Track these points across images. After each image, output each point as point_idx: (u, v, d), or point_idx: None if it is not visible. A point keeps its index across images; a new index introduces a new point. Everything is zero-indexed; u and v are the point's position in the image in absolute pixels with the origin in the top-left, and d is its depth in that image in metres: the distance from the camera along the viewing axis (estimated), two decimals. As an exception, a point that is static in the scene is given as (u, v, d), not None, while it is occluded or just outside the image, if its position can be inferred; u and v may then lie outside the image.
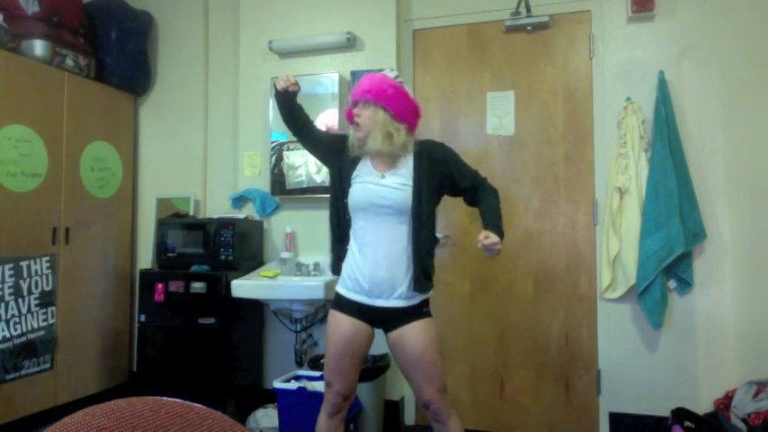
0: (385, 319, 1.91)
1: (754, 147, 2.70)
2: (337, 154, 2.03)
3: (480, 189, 1.99)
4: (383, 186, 1.89)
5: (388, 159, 1.93)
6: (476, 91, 3.12)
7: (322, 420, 1.98)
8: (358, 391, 2.57)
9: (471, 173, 2.00)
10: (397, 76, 1.97)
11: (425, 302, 1.95)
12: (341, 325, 1.92)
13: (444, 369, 1.92)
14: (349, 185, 1.96)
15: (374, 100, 1.88)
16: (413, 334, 1.87)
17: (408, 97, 1.94)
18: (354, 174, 1.97)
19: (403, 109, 1.91)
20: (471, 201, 2.02)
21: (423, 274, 1.89)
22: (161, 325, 3.02)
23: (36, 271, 2.94)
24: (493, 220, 1.89)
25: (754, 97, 2.71)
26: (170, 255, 3.14)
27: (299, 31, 3.27)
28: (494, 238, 1.80)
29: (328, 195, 3.11)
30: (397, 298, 1.88)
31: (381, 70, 2.02)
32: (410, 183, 1.89)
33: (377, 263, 1.87)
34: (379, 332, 1.98)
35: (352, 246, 1.96)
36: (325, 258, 3.07)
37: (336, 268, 2.03)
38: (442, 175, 1.95)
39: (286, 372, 2.93)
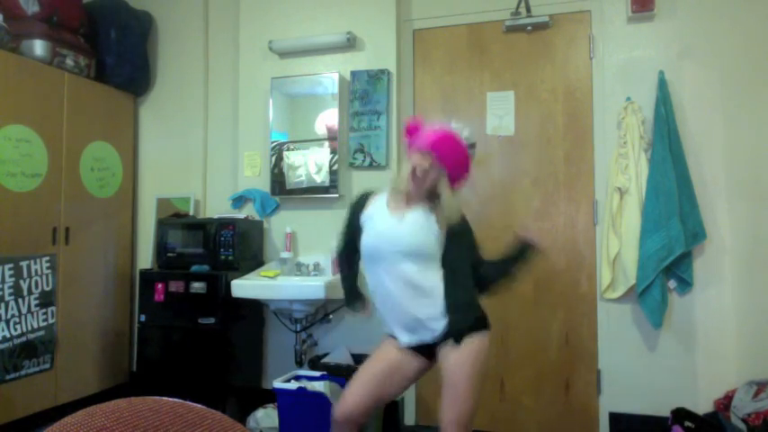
0: (431, 345, 1.87)
1: (754, 147, 2.70)
2: (358, 222, 1.98)
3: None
4: (399, 227, 1.85)
5: (407, 200, 1.89)
6: (476, 91, 3.12)
7: None
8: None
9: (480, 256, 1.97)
10: (468, 140, 1.89)
11: (461, 323, 1.84)
12: (389, 350, 1.91)
13: (471, 400, 1.79)
14: (360, 230, 1.92)
15: (449, 169, 1.83)
16: (449, 350, 1.82)
17: (469, 164, 1.88)
18: (364, 216, 1.93)
19: (459, 175, 1.87)
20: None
21: (462, 318, 1.84)
22: (161, 325, 3.02)
23: (36, 271, 2.94)
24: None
25: (754, 97, 2.71)
26: (170, 255, 3.14)
27: (299, 31, 3.27)
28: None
29: (328, 195, 3.14)
30: (425, 337, 1.85)
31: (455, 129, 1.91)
32: (434, 223, 1.86)
33: (398, 306, 1.84)
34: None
35: (373, 293, 1.94)
36: (325, 258, 3.07)
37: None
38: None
39: (286, 372, 2.92)
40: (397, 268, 1.83)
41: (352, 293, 2.12)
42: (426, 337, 1.85)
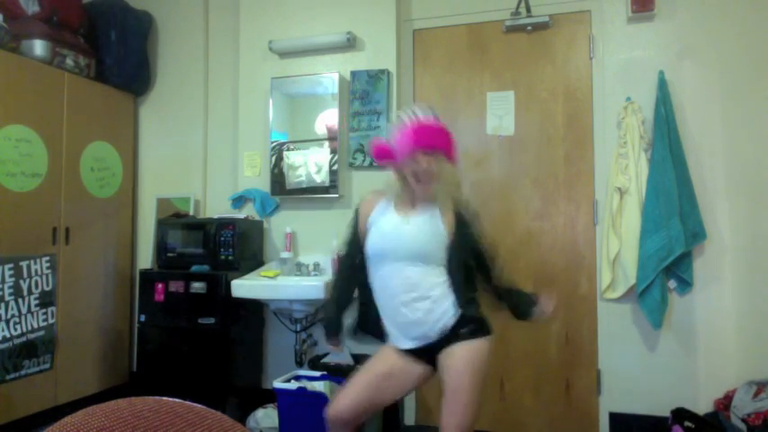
0: (432, 349, 1.84)
1: (754, 147, 2.70)
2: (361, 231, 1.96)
3: (497, 265, 1.94)
4: (407, 230, 1.83)
5: (412, 201, 1.88)
6: (476, 91, 3.12)
7: None
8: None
9: (488, 247, 1.94)
10: (431, 113, 1.88)
11: (464, 321, 1.82)
12: (388, 355, 1.87)
13: (474, 406, 1.77)
14: (366, 233, 1.90)
15: (444, 154, 1.82)
16: (451, 354, 1.80)
17: (449, 133, 1.85)
18: (369, 220, 1.91)
19: (451, 148, 1.86)
20: (481, 269, 1.94)
21: (464, 318, 1.83)
22: (161, 325, 3.02)
23: (36, 271, 2.94)
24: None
25: (754, 97, 2.71)
26: (170, 255, 3.14)
27: (299, 31, 3.27)
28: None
29: (328, 195, 3.14)
30: (427, 338, 1.82)
31: (414, 114, 1.86)
32: (441, 226, 1.84)
33: (400, 309, 1.82)
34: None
35: (376, 296, 1.90)
36: (325, 258, 3.07)
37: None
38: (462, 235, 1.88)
39: (286, 372, 2.92)
40: (401, 270, 1.82)
41: (338, 320, 2.03)
42: (426, 340, 1.83)
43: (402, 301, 1.82)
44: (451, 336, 1.81)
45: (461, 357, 1.78)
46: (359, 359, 2.75)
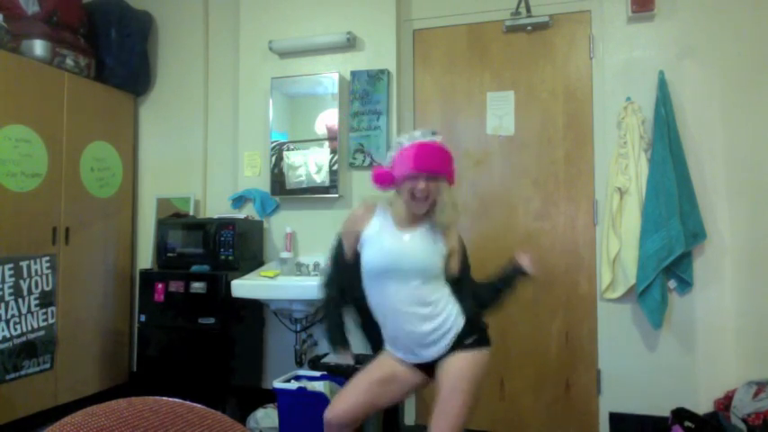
0: (434, 362, 1.86)
1: (754, 147, 2.70)
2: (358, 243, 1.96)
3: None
4: (409, 246, 1.85)
5: (412, 219, 1.88)
6: (476, 91, 3.12)
7: None
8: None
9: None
10: (432, 137, 1.89)
11: (469, 331, 1.85)
12: (388, 361, 1.90)
13: (466, 412, 1.75)
14: (361, 248, 1.91)
15: (444, 175, 1.84)
16: (451, 360, 1.81)
17: (450, 156, 1.88)
18: (364, 236, 1.90)
19: (451, 171, 1.90)
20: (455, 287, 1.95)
21: (470, 328, 1.86)
22: (161, 325, 3.02)
23: (36, 271, 2.94)
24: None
25: (754, 97, 2.71)
26: (170, 255, 3.14)
27: (299, 31, 3.27)
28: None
29: (328, 195, 3.14)
30: (433, 350, 1.84)
31: (419, 138, 1.88)
32: (441, 242, 1.87)
33: (402, 328, 1.83)
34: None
35: (375, 311, 1.92)
36: (325, 258, 3.06)
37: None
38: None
39: (286, 372, 2.92)
40: (406, 285, 1.82)
41: (341, 333, 2.00)
42: (428, 355, 1.84)
43: (405, 317, 1.82)
44: (456, 346, 1.83)
45: (462, 362, 1.80)
46: (359, 359, 2.75)
